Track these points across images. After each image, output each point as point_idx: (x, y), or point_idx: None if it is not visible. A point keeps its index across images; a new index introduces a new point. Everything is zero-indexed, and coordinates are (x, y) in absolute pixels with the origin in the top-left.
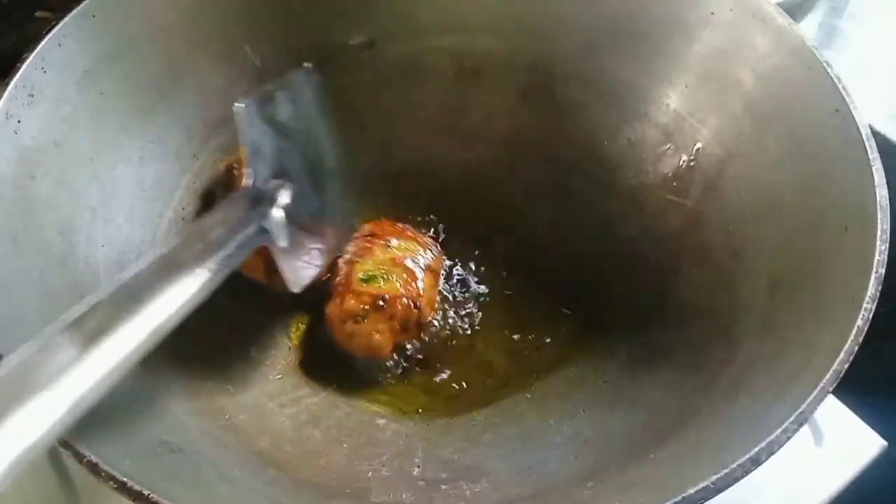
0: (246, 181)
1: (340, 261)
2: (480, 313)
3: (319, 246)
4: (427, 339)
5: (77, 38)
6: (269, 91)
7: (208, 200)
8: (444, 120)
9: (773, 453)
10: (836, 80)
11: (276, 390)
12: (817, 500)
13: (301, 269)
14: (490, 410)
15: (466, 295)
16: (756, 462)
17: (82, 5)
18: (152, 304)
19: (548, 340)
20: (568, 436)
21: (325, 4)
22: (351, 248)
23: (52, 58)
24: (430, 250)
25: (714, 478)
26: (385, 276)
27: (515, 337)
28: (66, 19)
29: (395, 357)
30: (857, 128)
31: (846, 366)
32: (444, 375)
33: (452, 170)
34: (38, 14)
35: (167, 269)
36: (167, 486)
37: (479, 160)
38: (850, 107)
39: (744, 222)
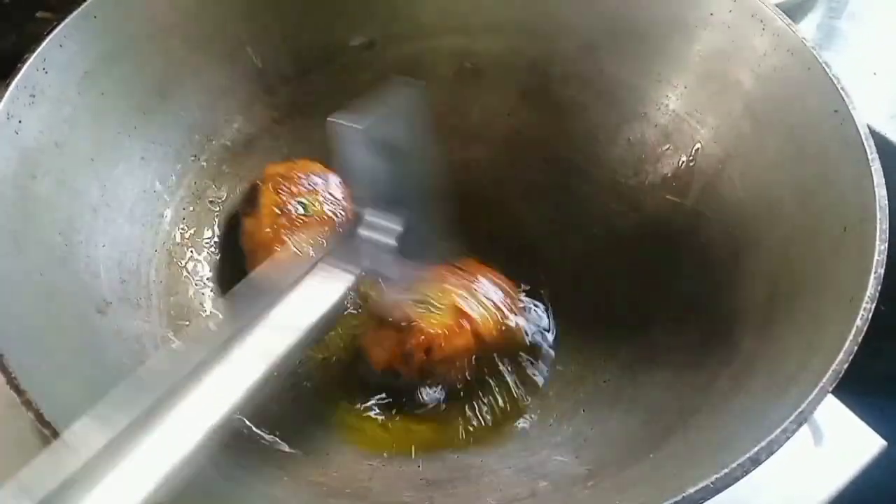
0: (350, 213)
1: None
2: None
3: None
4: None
5: (78, 39)
6: (370, 106)
7: (232, 223)
8: (443, 120)
9: (772, 453)
10: (835, 81)
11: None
12: (817, 500)
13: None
14: None
15: None
16: (756, 462)
17: (83, 6)
18: None
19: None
20: (568, 436)
21: (325, 5)
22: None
23: (53, 58)
24: (507, 322)
25: (714, 477)
26: (433, 309)
27: None
28: (66, 20)
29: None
30: (857, 128)
31: (846, 366)
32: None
33: (452, 170)
34: (38, 15)
35: None
36: None
37: (479, 160)
38: (850, 107)
39: (743, 222)
